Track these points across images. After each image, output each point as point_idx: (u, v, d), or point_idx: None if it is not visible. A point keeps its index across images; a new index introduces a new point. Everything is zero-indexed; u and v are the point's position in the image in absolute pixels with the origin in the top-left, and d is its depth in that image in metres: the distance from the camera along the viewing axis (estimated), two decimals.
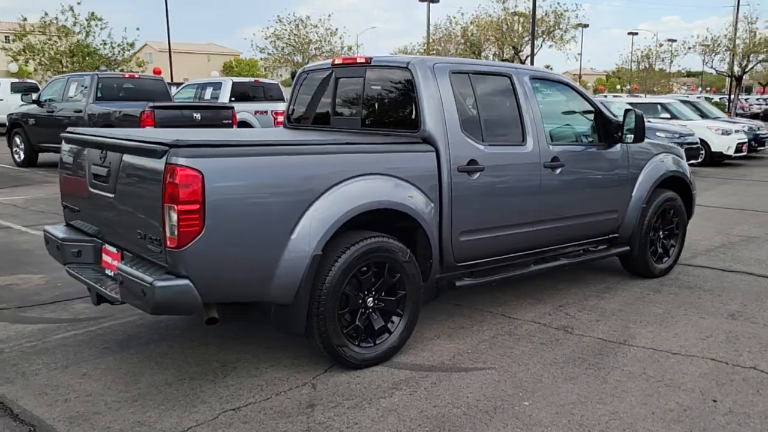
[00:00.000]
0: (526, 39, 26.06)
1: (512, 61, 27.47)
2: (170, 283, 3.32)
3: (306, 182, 3.75)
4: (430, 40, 39.00)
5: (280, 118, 14.92)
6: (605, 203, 5.59)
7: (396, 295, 4.15)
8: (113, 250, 3.96)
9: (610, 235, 5.77)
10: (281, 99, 17.26)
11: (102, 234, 4.09)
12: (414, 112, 4.44)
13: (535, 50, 25.94)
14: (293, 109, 5.54)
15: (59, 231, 4.40)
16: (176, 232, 3.31)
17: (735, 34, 33.09)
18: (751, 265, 6.72)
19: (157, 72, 21.78)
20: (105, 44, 30.02)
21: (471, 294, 5.41)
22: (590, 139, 5.52)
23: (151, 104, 12.15)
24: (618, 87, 65.36)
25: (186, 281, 3.35)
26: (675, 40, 53.95)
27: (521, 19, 26.79)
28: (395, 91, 4.65)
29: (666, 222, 6.18)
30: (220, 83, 16.48)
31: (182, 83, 18.39)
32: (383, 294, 4.11)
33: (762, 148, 19.84)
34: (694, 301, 5.49)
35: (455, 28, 31.86)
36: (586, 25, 39.53)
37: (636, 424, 3.43)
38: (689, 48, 33.98)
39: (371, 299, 4.06)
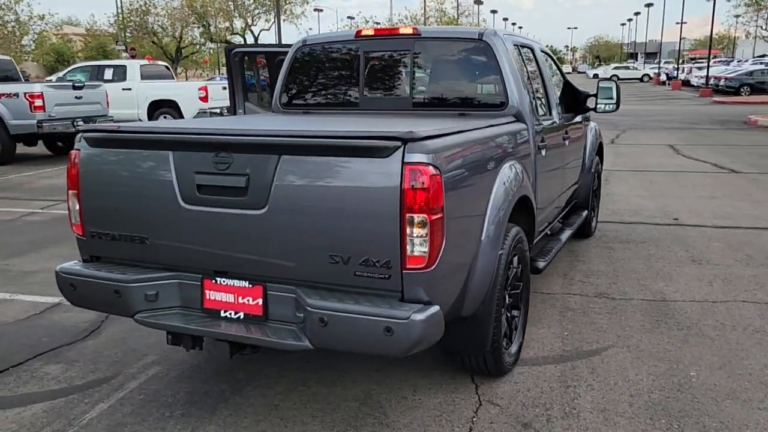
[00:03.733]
0: (257, 12, 25.45)
1: (244, 35, 26.57)
2: (428, 313, 2.60)
3: (491, 172, 3.24)
4: (125, 11, 35.72)
5: (39, 102, 12.29)
6: (578, 171, 5.84)
7: (517, 288, 3.84)
8: (242, 284, 2.95)
9: (573, 201, 6.05)
10: (18, 78, 14.36)
11: (207, 265, 3.01)
12: (496, 88, 4.08)
13: (268, 24, 25.57)
14: (288, 90, 4.66)
15: (104, 270, 3.13)
16: (426, 249, 2.61)
17: (425, 13, 36.63)
18: (634, 216, 7.63)
19: None
20: None
21: None
22: (565, 109, 5.66)
23: None
24: None
25: (437, 308, 2.67)
26: (353, 18, 57.48)
27: None
28: (465, 67, 4.20)
29: (594, 184, 6.68)
30: None
31: None
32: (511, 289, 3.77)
33: None
34: (650, 254, 6.05)
35: None
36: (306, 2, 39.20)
37: None
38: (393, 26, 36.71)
39: (507, 295, 3.69)
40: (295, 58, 4.60)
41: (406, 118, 3.95)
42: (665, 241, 6.46)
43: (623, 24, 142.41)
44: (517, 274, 3.75)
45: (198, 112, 16.43)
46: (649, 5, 70.96)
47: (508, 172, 3.49)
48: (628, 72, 67.87)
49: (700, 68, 46.64)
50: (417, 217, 2.58)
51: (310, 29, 45.24)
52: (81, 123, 12.48)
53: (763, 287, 5.09)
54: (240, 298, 2.97)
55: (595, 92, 5.65)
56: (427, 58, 4.28)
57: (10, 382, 3.69)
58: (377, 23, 48.17)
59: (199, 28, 27.41)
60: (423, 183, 2.56)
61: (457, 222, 2.84)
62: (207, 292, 3.03)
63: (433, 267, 2.64)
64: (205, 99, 16.50)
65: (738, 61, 56.15)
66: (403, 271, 2.63)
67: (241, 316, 2.97)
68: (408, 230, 2.59)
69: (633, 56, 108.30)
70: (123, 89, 16.75)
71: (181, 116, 16.55)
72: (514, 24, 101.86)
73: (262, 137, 2.81)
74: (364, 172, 2.64)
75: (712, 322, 4.41)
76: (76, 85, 13.29)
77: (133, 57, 32.97)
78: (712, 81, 37.93)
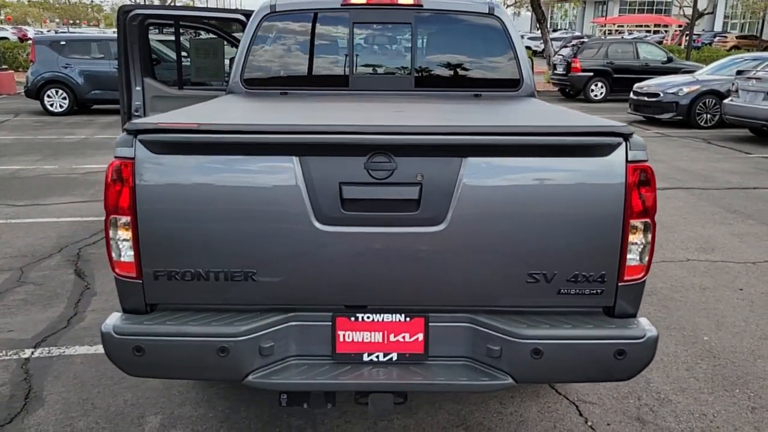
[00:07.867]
0: None
1: None
2: (654, 329, 2.33)
3: None
4: None
5: None
6: None
7: None
8: (395, 318, 2.35)
9: None
10: None
11: (340, 300, 2.33)
12: (509, 66, 3.81)
13: None
14: (253, 67, 3.80)
15: (194, 323, 2.24)
16: (646, 258, 2.33)
17: None
18: None
19: None
20: None
21: None
22: None
23: None
24: None
25: (646, 319, 2.41)
26: None
27: None
28: (475, 43, 3.82)
29: None
30: None
31: None
32: None
33: None
34: None
35: None
36: None
37: None
38: None
39: None
40: (260, 27, 3.79)
41: (429, 102, 3.50)
42: None
43: None
44: None
45: None
46: None
47: None
48: None
49: None
50: (640, 223, 2.29)
51: None
52: None
53: (661, 246, 5.66)
54: (392, 335, 2.37)
55: None
56: (431, 33, 3.84)
57: None
58: None
59: None
60: (649, 184, 2.27)
61: None
62: (341, 333, 2.37)
63: (645, 277, 2.38)
64: None
65: None
66: (619, 284, 2.33)
67: (394, 358, 2.39)
68: (631, 238, 2.29)
69: None
70: None
71: None
72: None
73: (439, 135, 2.23)
74: (577, 174, 2.25)
75: (662, 285, 4.78)
76: None
77: None
78: None
